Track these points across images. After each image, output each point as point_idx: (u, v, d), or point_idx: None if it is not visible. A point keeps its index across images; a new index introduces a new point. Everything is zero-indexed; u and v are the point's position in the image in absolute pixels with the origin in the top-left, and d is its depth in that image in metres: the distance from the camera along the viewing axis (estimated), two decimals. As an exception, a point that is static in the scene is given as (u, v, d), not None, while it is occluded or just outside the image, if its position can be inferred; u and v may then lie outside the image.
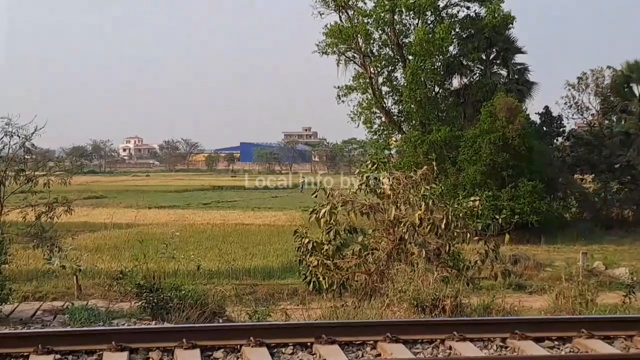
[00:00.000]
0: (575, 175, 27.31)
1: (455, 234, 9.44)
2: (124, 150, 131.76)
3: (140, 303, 8.86)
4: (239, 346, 6.04)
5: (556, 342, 6.07)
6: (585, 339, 5.96)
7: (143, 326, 7.71)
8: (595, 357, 5.75)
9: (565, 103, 30.48)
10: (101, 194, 43.51)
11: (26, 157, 11.03)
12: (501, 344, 5.98)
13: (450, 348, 5.99)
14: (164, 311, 8.63)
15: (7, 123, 10.70)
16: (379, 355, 5.97)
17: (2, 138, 10.46)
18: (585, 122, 30.57)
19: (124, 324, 8.16)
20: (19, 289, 10.40)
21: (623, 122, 27.62)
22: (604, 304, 9.58)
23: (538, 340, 6.03)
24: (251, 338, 5.99)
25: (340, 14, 26.47)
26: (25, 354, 5.75)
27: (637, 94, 27.59)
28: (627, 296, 9.61)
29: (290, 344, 6.25)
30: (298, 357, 5.94)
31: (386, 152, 25.24)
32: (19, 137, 10.38)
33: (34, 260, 14.53)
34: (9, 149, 10.54)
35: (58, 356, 5.84)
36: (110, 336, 6.16)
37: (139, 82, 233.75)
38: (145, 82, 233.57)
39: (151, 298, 8.74)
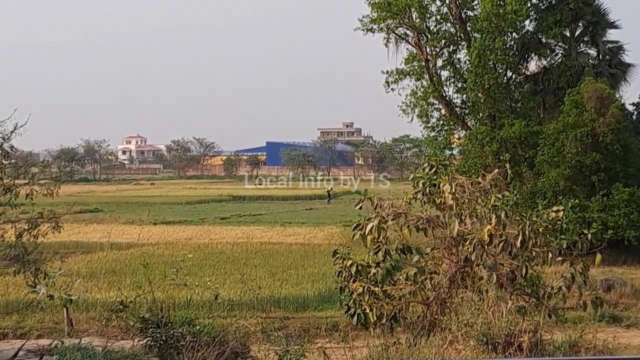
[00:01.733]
0: None
1: (533, 253, 8.20)
2: (124, 152, 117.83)
3: (145, 341, 8.04)
4: (267, 394, 5.86)
5: None
6: None
7: (150, 369, 7.79)
8: None
9: None
10: (96, 207, 41.18)
11: (3, 162, 9.66)
12: None
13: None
14: (175, 351, 7.89)
15: None
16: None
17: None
18: None
19: (124, 369, 7.19)
20: (-5, 324, 8.89)
21: None
22: None
23: None
24: (282, 384, 5.98)
25: None
26: (4, 408, 5.41)
27: None
28: None
29: (331, 392, 6.39)
30: (341, 407, 5.80)
31: (447, 152, 22.29)
32: (-6, 137, 9.01)
33: (14, 288, 14.02)
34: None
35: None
36: (109, 382, 6.60)
37: (141, 73, 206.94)
38: (149, 73, 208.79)
39: (158, 335, 7.91)
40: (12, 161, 9.91)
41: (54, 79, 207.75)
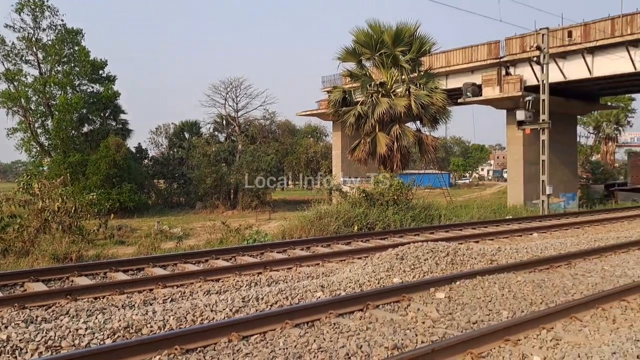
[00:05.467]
0: (155, 180, 44.81)
1: (81, 215, 15.54)
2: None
3: None
4: None
5: (135, 270, 9.93)
6: (151, 267, 9.77)
7: None
8: (156, 276, 9.07)
9: (150, 142, 52.44)
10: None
11: None
12: (103, 275, 9.39)
13: (72, 281, 8.86)
14: None
15: None
16: (25, 290, 8.25)
17: None
18: (160, 152, 50.89)
19: None
20: None
21: (180, 152, 47.49)
22: (166, 248, 16.91)
23: (125, 271, 9.54)
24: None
25: (8, 83, 37.18)
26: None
27: (187, 138, 48.89)
28: (178, 243, 17.78)
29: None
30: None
31: (40, 168, 35.26)
32: None
33: None
34: None
35: None
36: None
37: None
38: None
39: None
40: None
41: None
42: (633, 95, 61.14)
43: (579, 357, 4.94)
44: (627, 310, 6.78)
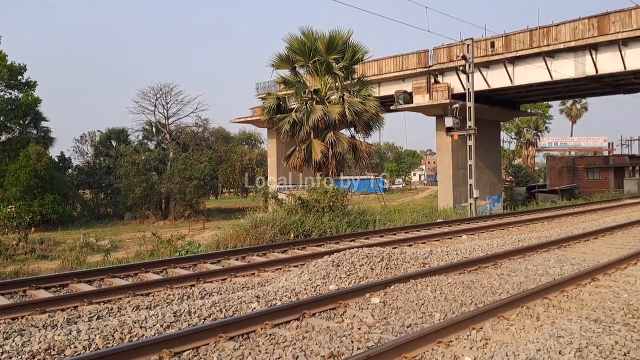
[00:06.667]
0: (80, 191, 43.51)
1: None
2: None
3: None
4: None
5: (58, 287, 9.16)
6: (76, 283, 9.43)
7: None
8: (81, 293, 8.88)
9: (74, 150, 50.36)
10: None
11: None
12: (22, 293, 8.93)
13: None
14: None
15: None
16: None
17: None
18: (85, 161, 49.21)
19: None
20: None
21: (107, 161, 46.14)
22: (92, 262, 16.23)
23: (46, 288, 9.04)
24: None
25: None
26: None
27: (114, 146, 47.58)
28: (106, 256, 17.09)
29: None
30: None
31: None
32: None
33: None
34: None
35: None
36: None
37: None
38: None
39: None
40: None
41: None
42: (550, 103, 65.35)
43: (507, 355, 5.11)
44: (549, 307, 7.14)
